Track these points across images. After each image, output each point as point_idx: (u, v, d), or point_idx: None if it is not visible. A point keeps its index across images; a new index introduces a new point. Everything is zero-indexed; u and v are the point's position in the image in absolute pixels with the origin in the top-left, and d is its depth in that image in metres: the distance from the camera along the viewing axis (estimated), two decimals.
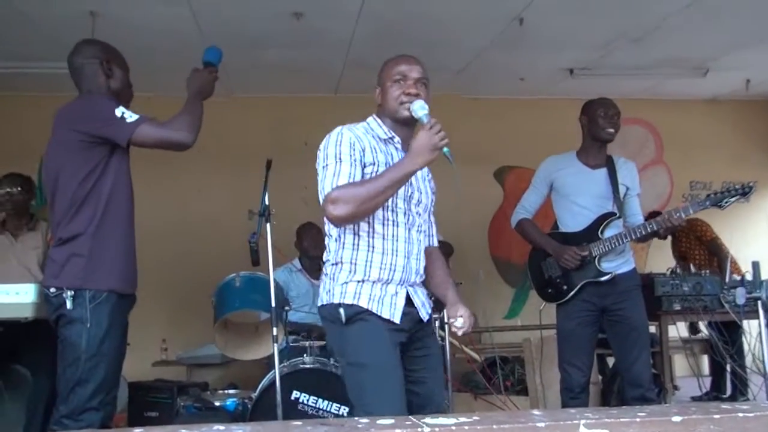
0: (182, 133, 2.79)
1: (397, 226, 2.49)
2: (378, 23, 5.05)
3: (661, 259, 6.50)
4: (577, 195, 3.76)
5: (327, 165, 2.43)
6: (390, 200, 2.44)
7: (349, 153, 2.42)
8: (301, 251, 5.07)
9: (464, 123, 7.02)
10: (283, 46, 5.34)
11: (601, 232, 3.70)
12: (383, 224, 2.47)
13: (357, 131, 2.49)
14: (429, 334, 2.62)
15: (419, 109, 2.42)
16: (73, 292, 2.70)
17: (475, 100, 7.15)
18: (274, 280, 3.66)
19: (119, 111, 2.75)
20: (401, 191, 2.46)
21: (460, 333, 2.53)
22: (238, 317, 4.18)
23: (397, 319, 2.46)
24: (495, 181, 7.31)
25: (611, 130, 3.73)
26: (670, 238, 6.06)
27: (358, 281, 2.46)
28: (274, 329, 3.56)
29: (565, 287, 3.77)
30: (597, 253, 3.68)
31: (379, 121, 2.57)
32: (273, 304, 3.59)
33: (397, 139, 2.52)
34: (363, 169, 2.43)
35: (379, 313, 2.45)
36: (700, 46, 5.80)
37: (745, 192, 3.53)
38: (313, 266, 5.04)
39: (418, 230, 2.57)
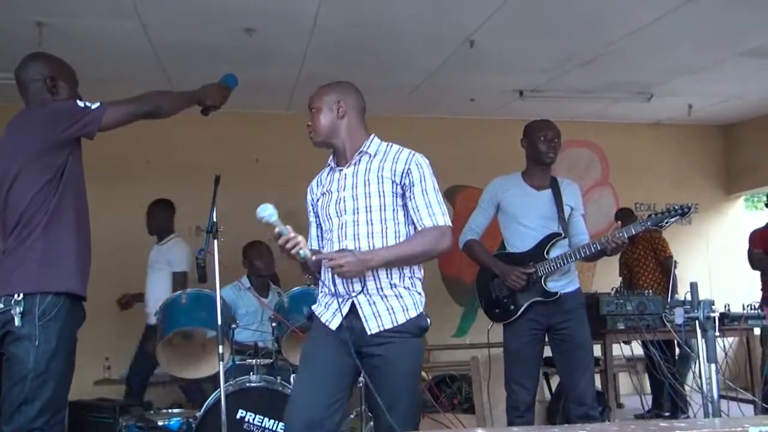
0: (145, 105, 2.90)
1: (332, 242, 2.74)
2: (331, 41, 5.06)
3: (607, 278, 6.63)
4: (523, 216, 3.81)
5: None
6: (325, 222, 2.79)
7: (308, 208, 2.95)
8: (250, 269, 5.01)
9: (415, 142, 6.97)
10: (235, 61, 5.29)
11: (547, 252, 3.76)
12: (324, 246, 2.81)
13: (319, 175, 2.93)
14: (381, 353, 2.60)
15: (267, 216, 2.57)
16: (21, 308, 2.62)
17: (426, 120, 7.21)
18: (221, 297, 3.62)
19: (81, 103, 2.78)
20: (332, 212, 2.75)
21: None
22: (183, 335, 4.11)
23: (332, 326, 2.68)
24: (445, 200, 7.36)
25: (552, 155, 3.81)
26: None
27: (321, 290, 2.83)
28: (220, 347, 3.52)
29: (512, 307, 3.81)
30: (543, 273, 3.74)
31: None
32: (219, 322, 3.54)
33: (332, 165, 2.87)
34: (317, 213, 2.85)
35: (320, 317, 2.75)
36: (645, 72, 5.96)
37: (684, 212, 3.61)
38: (262, 285, 4.99)
39: (356, 239, 2.66)
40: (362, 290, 2.63)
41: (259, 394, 3.80)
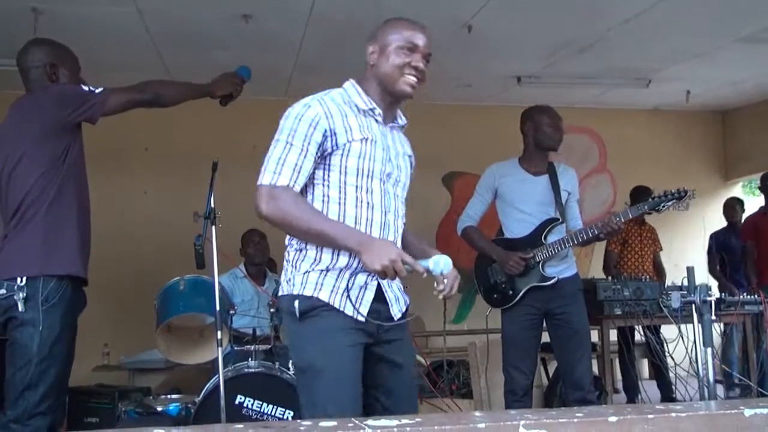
0: (147, 92, 2.90)
1: (373, 209, 2.23)
2: (328, 27, 5.05)
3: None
4: (520, 202, 3.81)
5: (278, 141, 2.19)
6: (365, 179, 2.21)
7: (303, 137, 2.16)
8: (245, 258, 5.03)
9: (413, 128, 6.99)
10: (231, 47, 5.30)
11: (545, 238, 3.76)
12: (356, 206, 2.21)
13: (329, 104, 2.22)
14: (401, 337, 2.32)
15: (443, 267, 2.14)
16: (24, 294, 2.63)
17: (423, 106, 7.14)
18: (219, 283, 3.63)
19: (85, 87, 2.79)
20: (377, 169, 2.23)
21: (441, 297, 2.20)
22: (182, 321, 4.12)
23: (361, 317, 2.19)
24: (443, 187, 7.36)
25: (558, 138, 3.80)
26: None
27: (322, 270, 2.19)
28: (219, 333, 3.53)
29: (510, 292, 3.83)
30: (541, 258, 3.75)
31: (358, 88, 2.32)
32: (217, 308, 3.55)
33: (378, 111, 2.30)
34: (322, 154, 2.19)
35: (341, 309, 2.18)
36: (643, 57, 5.95)
37: (681, 196, 3.62)
38: (258, 272, 5.00)
39: (395, 215, 2.30)
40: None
41: (258, 379, 3.82)
